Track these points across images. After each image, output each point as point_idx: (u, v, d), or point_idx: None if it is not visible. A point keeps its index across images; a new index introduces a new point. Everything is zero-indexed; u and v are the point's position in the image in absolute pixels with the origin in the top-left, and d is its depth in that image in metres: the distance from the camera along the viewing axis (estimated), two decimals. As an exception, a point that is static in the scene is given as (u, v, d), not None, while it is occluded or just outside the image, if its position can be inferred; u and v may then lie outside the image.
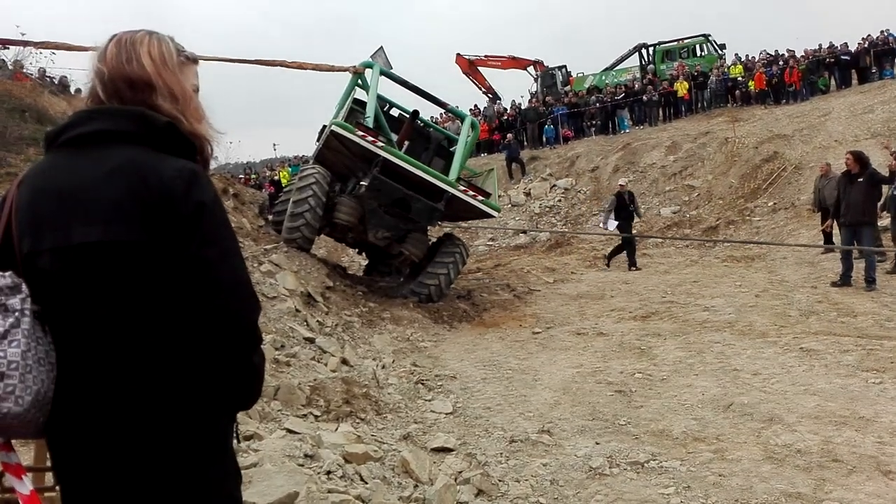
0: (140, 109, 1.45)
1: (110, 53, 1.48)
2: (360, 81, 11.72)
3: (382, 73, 11.54)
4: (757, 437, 4.98)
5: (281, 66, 10.90)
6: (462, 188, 10.46)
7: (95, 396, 1.37)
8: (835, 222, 10.18)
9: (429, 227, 11.15)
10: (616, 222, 13.71)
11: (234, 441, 1.55)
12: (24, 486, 1.45)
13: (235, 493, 1.52)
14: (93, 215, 1.36)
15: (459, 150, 11.59)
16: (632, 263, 13.64)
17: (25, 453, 1.59)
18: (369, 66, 11.77)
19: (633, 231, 14.81)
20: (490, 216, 11.50)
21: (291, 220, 9.97)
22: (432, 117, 21.57)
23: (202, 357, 1.41)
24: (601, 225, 15.02)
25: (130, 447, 1.37)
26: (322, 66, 11.52)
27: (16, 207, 1.42)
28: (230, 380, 1.46)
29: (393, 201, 10.21)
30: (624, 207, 13.71)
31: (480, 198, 10.59)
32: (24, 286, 1.37)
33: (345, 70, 11.59)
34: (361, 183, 9.99)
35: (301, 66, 11.18)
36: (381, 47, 12.92)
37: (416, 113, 11.90)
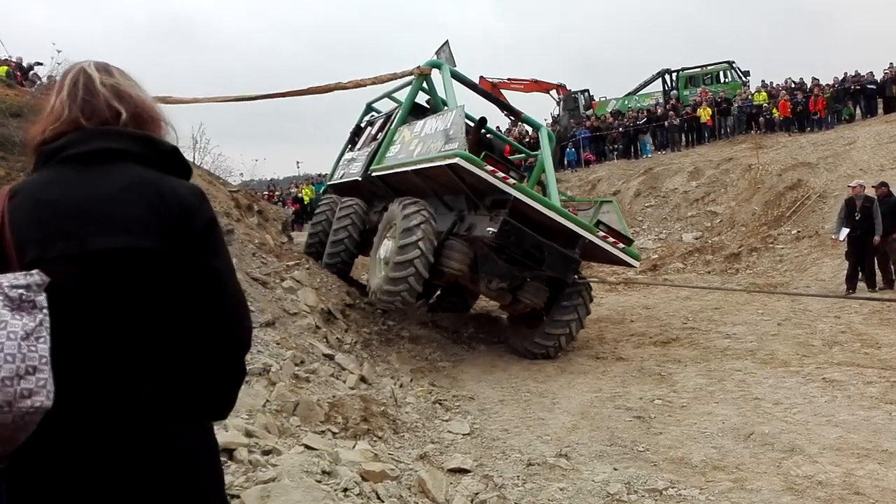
0: (147, 133, 1.59)
1: (122, 80, 1.62)
2: (424, 85, 10.37)
3: (451, 74, 9.95)
4: (777, 468, 4.91)
5: (336, 89, 10.10)
6: (602, 234, 8.56)
7: (96, 398, 1.41)
8: None
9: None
10: (847, 230, 11.43)
11: None
12: None
13: (225, 496, 1.64)
14: (114, 225, 1.45)
15: (549, 171, 9.95)
16: (850, 286, 11.43)
17: None
18: (437, 65, 10.22)
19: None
20: (630, 266, 9.57)
21: (397, 271, 8.04)
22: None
23: (201, 359, 1.53)
24: (833, 236, 12.75)
25: (134, 450, 1.41)
26: (382, 78, 10.62)
27: (10, 219, 1.46)
28: (223, 382, 1.59)
29: (524, 251, 8.23)
30: (851, 216, 11.43)
31: (621, 245, 8.72)
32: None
33: (408, 74, 10.37)
34: (488, 229, 8.01)
35: (359, 85, 10.35)
36: (447, 41, 11.41)
37: (483, 120, 10.37)
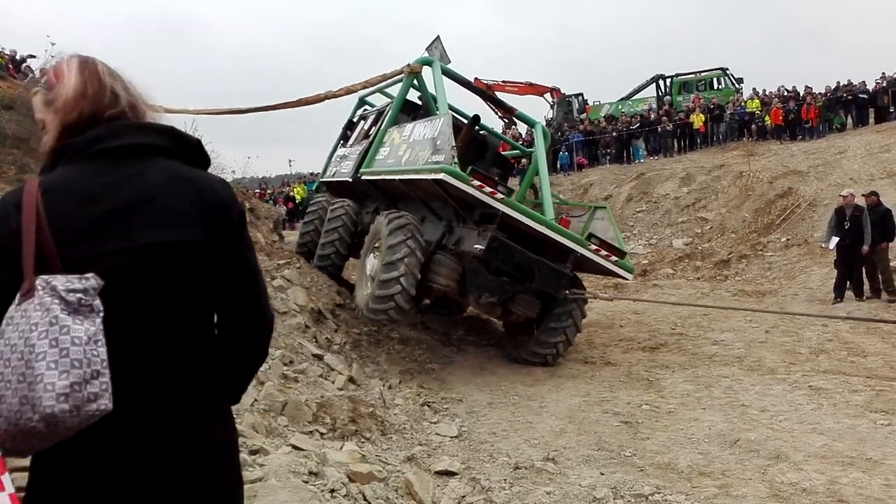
0: (171, 126, 1.60)
1: (122, 76, 1.61)
2: (415, 82, 10.04)
3: (443, 71, 9.68)
4: (763, 475, 4.95)
5: (327, 98, 9.83)
6: (594, 247, 8.27)
7: (132, 393, 1.42)
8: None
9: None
10: (836, 239, 11.45)
11: None
12: (8, 483, 1.47)
13: (242, 482, 1.69)
14: (160, 219, 1.47)
15: (542, 171, 9.57)
16: (838, 294, 11.52)
17: None
18: (428, 62, 9.95)
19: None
20: (623, 279, 9.32)
21: (377, 303, 7.90)
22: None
23: (229, 347, 1.60)
24: (822, 244, 12.84)
25: (163, 440, 1.45)
26: (372, 81, 10.49)
27: (48, 215, 1.40)
28: (246, 368, 1.68)
29: (514, 266, 7.98)
30: (841, 225, 11.44)
31: (614, 258, 8.43)
32: None
33: (398, 74, 10.11)
34: (476, 246, 7.79)
35: (350, 91, 10.27)
36: (438, 37, 11.17)
37: (476, 118, 9.90)
